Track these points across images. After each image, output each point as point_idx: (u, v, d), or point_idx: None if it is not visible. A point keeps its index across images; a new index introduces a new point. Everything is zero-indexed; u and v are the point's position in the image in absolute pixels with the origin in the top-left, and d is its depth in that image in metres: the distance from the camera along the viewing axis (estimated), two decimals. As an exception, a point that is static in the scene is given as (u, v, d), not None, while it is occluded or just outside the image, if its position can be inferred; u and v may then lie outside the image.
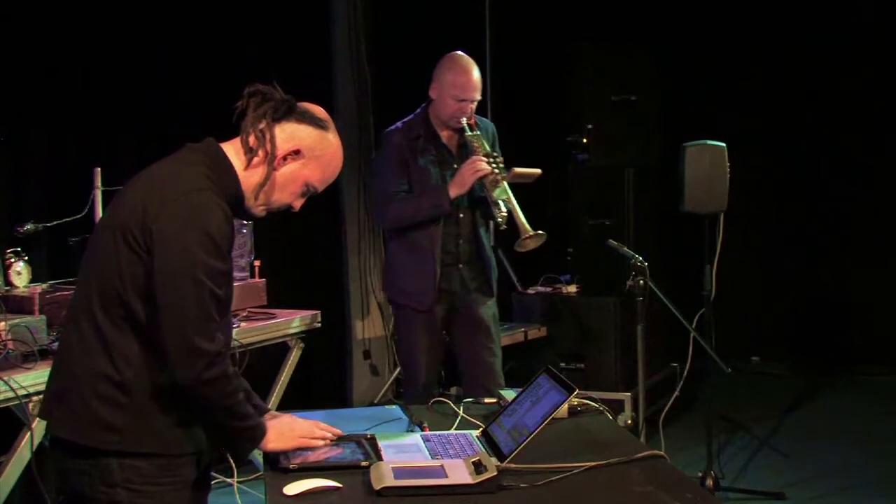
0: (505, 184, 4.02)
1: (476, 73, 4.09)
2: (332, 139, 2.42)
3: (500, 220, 3.98)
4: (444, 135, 4.16)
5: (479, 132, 4.10)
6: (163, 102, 5.03)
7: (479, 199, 4.13)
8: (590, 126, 5.71)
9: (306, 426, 2.52)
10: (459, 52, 4.18)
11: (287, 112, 2.37)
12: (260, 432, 2.40)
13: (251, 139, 2.34)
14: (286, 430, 2.48)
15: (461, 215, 4.15)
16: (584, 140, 5.70)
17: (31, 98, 4.49)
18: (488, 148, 4.08)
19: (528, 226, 3.98)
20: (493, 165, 4.01)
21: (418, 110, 4.20)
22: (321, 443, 2.51)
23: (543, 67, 6.43)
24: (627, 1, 6.79)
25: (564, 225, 5.83)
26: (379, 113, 6.51)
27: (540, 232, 3.99)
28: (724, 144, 4.75)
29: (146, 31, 4.95)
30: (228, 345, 2.38)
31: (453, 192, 4.04)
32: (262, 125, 2.34)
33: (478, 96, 4.09)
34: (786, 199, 7.22)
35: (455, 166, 4.13)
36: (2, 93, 4.33)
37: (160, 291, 2.21)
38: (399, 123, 4.21)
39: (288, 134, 2.36)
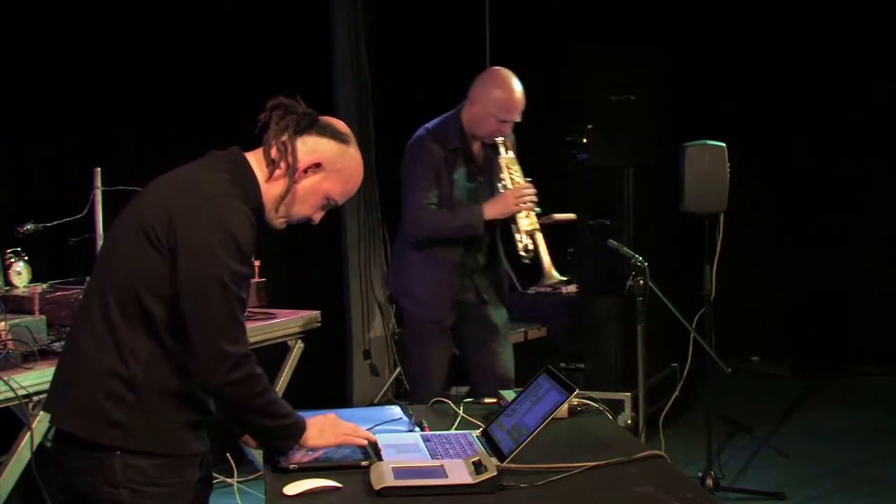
0: (535, 220, 3.97)
1: (521, 92, 3.97)
2: (353, 153, 2.44)
3: (523, 254, 3.94)
4: (475, 147, 4.08)
5: (513, 154, 4.03)
6: (163, 103, 5.03)
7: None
8: (590, 126, 5.71)
9: (351, 426, 2.51)
10: (505, 69, 4.05)
11: (309, 125, 2.39)
12: (297, 430, 2.40)
13: (273, 151, 2.36)
14: (328, 426, 2.47)
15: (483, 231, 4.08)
16: (584, 140, 5.69)
17: (31, 98, 4.49)
18: (520, 174, 4.00)
19: (553, 271, 3.93)
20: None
21: (448, 116, 4.07)
22: (364, 442, 2.50)
23: (543, 67, 6.44)
24: (627, 1, 6.79)
25: (564, 225, 5.82)
26: (379, 113, 6.52)
27: (565, 278, 4.00)
28: (724, 144, 4.75)
29: (146, 30, 4.95)
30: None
31: (489, 214, 3.96)
32: (284, 138, 2.36)
33: (519, 118, 3.99)
34: (785, 200, 7.23)
35: (480, 179, 4.08)
36: (2, 93, 4.33)
37: (186, 295, 2.21)
38: (429, 127, 4.07)
39: (310, 147, 2.38)
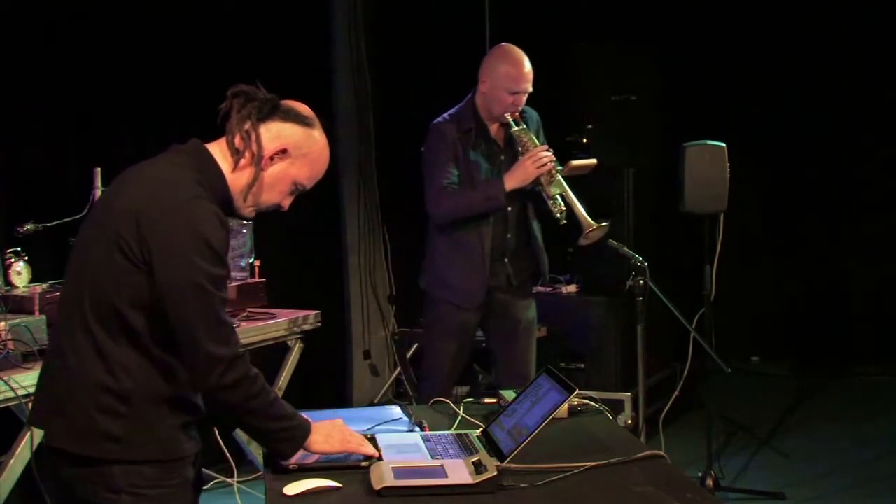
0: (560, 178, 3.95)
1: (528, 63, 3.99)
2: (317, 136, 2.39)
3: (558, 215, 3.93)
4: (493, 128, 4.08)
5: (524, 126, 4.03)
6: (163, 102, 5.03)
7: (527, 192, 4.05)
8: (590, 126, 5.71)
9: (358, 438, 2.47)
10: (509, 44, 4.08)
11: (271, 111, 2.35)
12: (301, 432, 2.36)
13: (237, 140, 2.32)
14: (336, 433, 2.43)
15: (509, 209, 4.07)
16: (584, 140, 5.69)
17: (31, 98, 4.49)
18: (537, 141, 4.02)
19: (590, 219, 3.92)
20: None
21: (463, 102, 4.10)
22: (373, 452, 2.45)
23: (543, 67, 6.43)
24: (627, 1, 6.79)
25: (564, 225, 5.82)
26: (379, 113, 6.52)
27: (604, 223, 3.97)
28: (724, 144, 4.75)
29: (146, 30, 4.94)
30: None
31: (510, 184, 3.95)
32: (246, 126, 2.32)
33: (531, 87, 4.00)
34: (786, 200, 7.22)
35: (502, 158, 4.08)
36: (2, 92, 4.33)
37: (170, 306, 2.19)
38: (446, 115, 4.10)
39: (274, 133, 2.34)
